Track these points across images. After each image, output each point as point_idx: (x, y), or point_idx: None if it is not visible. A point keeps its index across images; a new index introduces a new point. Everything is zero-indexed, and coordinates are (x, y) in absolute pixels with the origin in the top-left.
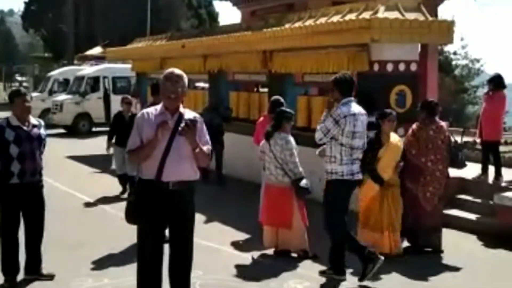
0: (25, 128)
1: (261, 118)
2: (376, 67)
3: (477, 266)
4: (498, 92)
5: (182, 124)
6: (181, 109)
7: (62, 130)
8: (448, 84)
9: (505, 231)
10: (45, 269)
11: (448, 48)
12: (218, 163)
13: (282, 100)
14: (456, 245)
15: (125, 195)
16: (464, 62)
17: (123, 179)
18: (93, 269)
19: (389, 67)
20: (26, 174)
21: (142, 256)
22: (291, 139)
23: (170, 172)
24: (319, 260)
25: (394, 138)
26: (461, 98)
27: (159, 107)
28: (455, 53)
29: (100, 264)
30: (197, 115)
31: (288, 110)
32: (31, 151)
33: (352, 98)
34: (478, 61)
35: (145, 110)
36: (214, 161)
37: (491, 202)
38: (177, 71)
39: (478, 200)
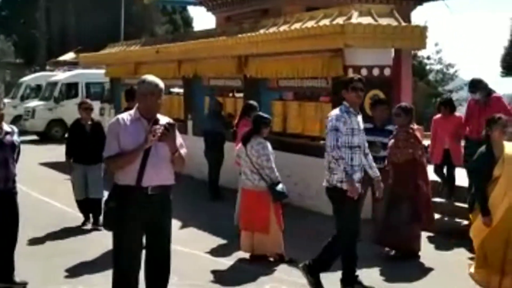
0: None
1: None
2: (350, 72)
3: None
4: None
5: (161, 129)
6: (157, 115)
7: (34, 137)
8: (422, 88)
9: None
10: (18, 276)
11: (422, 53)
12: (216, 174)
13: (256, 104)
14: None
15: (88, 226)
16: (438, 67)
17: (85, 206)
18: (67, 276)
19: (363, 72)
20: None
21: (119, 263)
22: (268, 144)
23: (149, 177)
24: (296, 264)
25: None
26: (434, 103)
27: (132, 112)
28: (428, 58)
29: (74, 271)
30: (171, 120)
31: (265, 115)
32: (4, 159)
33: None
34: (452, 66)
35: (119, 116)
36: (208, 170)
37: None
38: (160, 84)
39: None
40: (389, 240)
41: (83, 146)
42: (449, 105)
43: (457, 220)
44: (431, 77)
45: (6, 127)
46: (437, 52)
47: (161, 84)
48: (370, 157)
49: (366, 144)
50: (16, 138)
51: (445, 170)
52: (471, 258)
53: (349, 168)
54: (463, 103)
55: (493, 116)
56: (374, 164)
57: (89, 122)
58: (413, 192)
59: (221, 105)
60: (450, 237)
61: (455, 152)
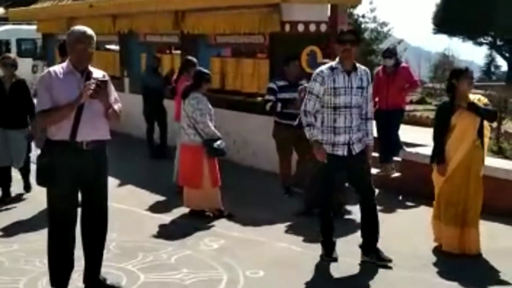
0: None
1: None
2: (287, 27)
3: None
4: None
5: (93, 85)
6: (89, 68)
7: None
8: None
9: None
10: None
11: (357, 11)
12: (162, 133)
13: (195, 60)
14: None
15: (6, 201)
16: (373, 25)
17: (4, 174)
18: (1, 236)
19: (300, 28)
20: None
21: (53, 220)
22: (204, 99)
23: (84, 132)
24: (234, 219)
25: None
26: (370, 60)
27: (65, 65)
28: (363, 16)
29: (9, 230)
30: (105, 74)
31: (206, 71)
32: None
33: None
34: (386, 24)
35: (51, 69)
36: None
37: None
38: (89, 31)
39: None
40: None
41: (2, 107)
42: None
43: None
44: (366, 35)
45: None
46: (372, 10)
47: (89, 31)
48: (370, 123)
49: (369, 108)
50: None
51: None
52: None
53: (315, 133)
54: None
55: (459, 68)
56: (371, 131)
57: (12, 80)
58: None
59: (159, 61)
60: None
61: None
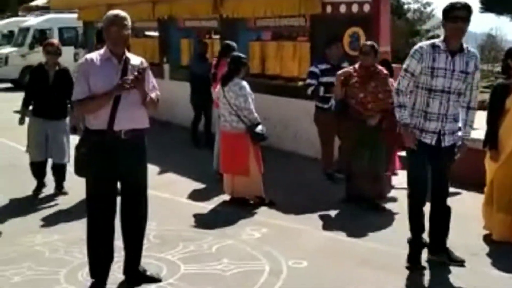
0: None
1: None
2: (329, 9)
3: None
4: None
5: (130, 79)
6: (127, 54)
7: (8, 84)
8: (401, 27)
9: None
10: None
11: None
12: (207, 122)
13: (234, 44)
14: None
15: (42, 194)
16: (416, 6)
17: (42, 170)
18: (42, 226)
19: (342, 9)
20: None
21: (93, 210)
22: (246, 84)
23: (122, 121)
24: (275, 206)
25: None
26: (413, 42)
27: (102, 51)
28: None
29: (49, 220)
30: (143, 60)
31: (242, 55)
32: None
33: None
34: (429, 4)
35: (88, 56)
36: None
37: None
38: (122, 13)
39: None
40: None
41: (44, 97)
42: None
43: None
44: (408, 16)
45: None
46: None
47: (122, 13)
48: (472, 114)
49: (473, 96)
50: None
51: None
52: None
53: (406, 115)
54: None
55: None
56: (470, 123)
57: (56, 69)
58: None
59: (206, 46)
60: None
61: None
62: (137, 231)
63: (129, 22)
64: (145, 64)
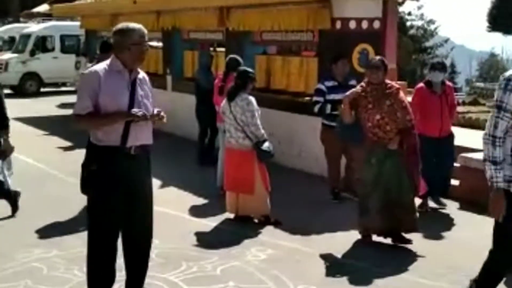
0: None
1: (216, 80)
2: (338, 24)
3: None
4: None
5: (140, 113)
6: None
7: (8, 91)
8: (406, 43)
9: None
10: None
11: (403, 9)
12: (212, 137)
13: (240, 59)
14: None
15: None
16: (419, 23)
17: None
18: (39, 238)
19: (352, 25)
20: None
21: (97, 232)
22: (253, 100)
23: (133, 137)
24: (281, 226)
25: None
26: (416, 59)
27: (111, 63)
28: (409, 14)
29: (47, 233)
30: (145, 75)
31: (250, 69)
32: None
33: None
34: (433, 22)
35: (97, 68)
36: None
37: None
38: (143, 28)
39: None
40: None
41: None
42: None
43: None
44: (411, 33)
45: None
46: (419, 8)
47: (143, 28)
48: None
49: None
50: None
51: None
52: None
53: (501, 177)
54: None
55: None
56: None
57: None
58: None
59: (212, 58)
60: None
61: None
62: (144, 250)
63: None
64: (146, 78)
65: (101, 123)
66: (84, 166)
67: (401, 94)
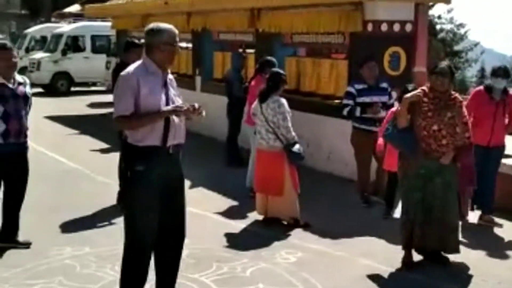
0: (10, 85)
1: (253, 82)
2: (370, 27)
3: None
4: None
5: (185, 106)
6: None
7: (39, 89)
8: (437, 47)
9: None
10: (21, 236)
11: (433, 12)
12: (235, 138)
13: (274, 60)
14: None
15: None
16: (449, 26)
17: None
18: (72, 236)
19: (384, 27)
20: (10, 134)
21: (137, 231)
22: (284, 102)
23: (172, 136)
24: (311, 229)
25: None
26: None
27: (146, 63)
28: (439, 17)
29: (80, 230)
30: (172, 76)
31: (282, 71)
32: (16, 111)
33: None
34: (463, 26)
35: (134, 70)
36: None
37: None
38: (174, 29)
39: None
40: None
41: None
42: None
43: None
44: (441, 36)
45: (19, 77)
46: (448, 11)
47: (175, 29)
48: None
49: None
50: (28, 89)
51: None
52: None
53: None
54: (473, 64)
55: None
56: None
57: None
58: None
59: (245, 60)
60: None
61: None
62: (175, 252)
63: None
64: (173, 80)
65: (145, 121)
66: (128, 167)
67: (464, 108)
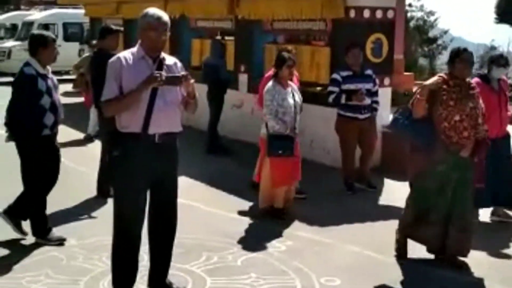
0: (49, 76)
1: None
2: (352, 13)
3: None
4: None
5: (164, 73)
6: (162, 54)
7: (10, 78)
8: (413, 34)
9: None
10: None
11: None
12: (215, 125)
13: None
14: None
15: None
16: (419, 14)
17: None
18: (56, 230)
19: (366, 14)
20: (56, 125)
21: (122, 219)
22: (272, 89)
23: (157, 124)
24: (299, 218)
25: None
26: (426, 50)
27: (135, 50)
28: (410, 5)
29: (64, 223)
30: (177, 61)
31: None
32: (58, 101)
33: None
34: (433, 14)
35: (121, 55)
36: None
37: None
38: (164, 17)
39: None
40: None
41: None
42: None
43: None
44: (411, 24)
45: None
46: None
47: (165, 17)
48: None
49: None
50: (55, 79)
51: None
52: None
53: None
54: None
55: None
56: None
57: None
58: None
59: (224, 46)
60: None
61: None
62: (167, 241)
63: (169, 26)
64: (179, 64)
65: (125, 101)
66: (108, 152)
67: (481, 99)
